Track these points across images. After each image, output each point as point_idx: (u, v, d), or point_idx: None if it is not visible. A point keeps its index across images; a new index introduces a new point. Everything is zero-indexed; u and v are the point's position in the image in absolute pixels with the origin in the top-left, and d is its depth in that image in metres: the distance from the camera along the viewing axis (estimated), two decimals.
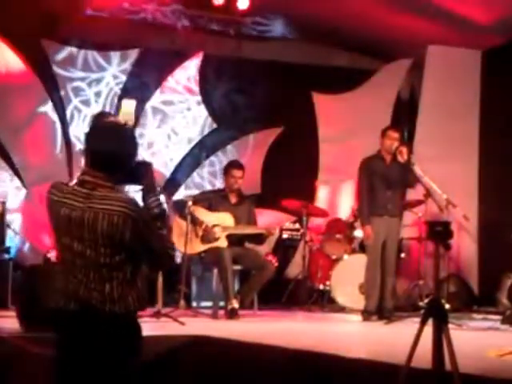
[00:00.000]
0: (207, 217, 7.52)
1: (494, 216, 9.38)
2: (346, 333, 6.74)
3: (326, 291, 8.72)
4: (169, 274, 7.06)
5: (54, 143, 9.14)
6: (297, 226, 7.79)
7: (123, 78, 9.38)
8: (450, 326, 3.57)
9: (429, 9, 8.69)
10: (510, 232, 7.93)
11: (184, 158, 9.67)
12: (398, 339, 5.66)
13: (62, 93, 9.10)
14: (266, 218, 8.89)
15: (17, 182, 8.90)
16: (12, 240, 8.49)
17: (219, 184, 9.05)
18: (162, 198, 3.21)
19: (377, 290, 7.33)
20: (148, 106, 9.50)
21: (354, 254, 8.62)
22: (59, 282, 3.03)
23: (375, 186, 7.40)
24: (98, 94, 9.24)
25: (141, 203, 3.09)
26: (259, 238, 7.68)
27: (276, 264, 8.50)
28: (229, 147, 9.85)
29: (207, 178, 9.77)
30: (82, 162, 6.62)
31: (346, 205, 9.61)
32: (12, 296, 7.31)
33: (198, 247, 7.46)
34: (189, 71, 9.71)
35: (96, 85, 9.26)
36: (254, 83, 9.63)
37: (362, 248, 8.24)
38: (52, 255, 7.77)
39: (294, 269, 9.30)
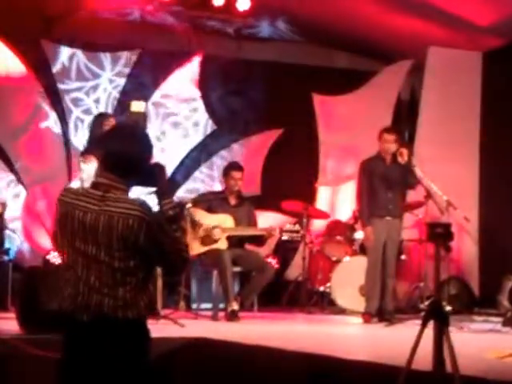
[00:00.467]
0: (207, 218, 7.51)
1: (494, 218, 9.37)
2: (346, 335, 6.73)
3: (327, 293, 8.70)
4: (175, 276, 7.07)
5: (53, 145, 9.12)
6: (297, 227, 7.78)
7: (119, 80, 9.37)
8: (451, 328, 3.56)
9: (429, 10, 8.69)
10: (510, 234, 7.93)
11: (183, 160, 9.67)
12: (398, 341, 5.65)
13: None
14: (267, 220, 8.88)
15: (16, 183, 8.89)
16: (11, 241, 8.48)
17: (219, 186, 9.03)
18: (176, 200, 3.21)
19: (377, 292, 7.31)
20: (147, 106, 9.48)
21: (355, 255, 8.60)
22: (69, 290, 3.00)
23: (375, 187, 7.39)
24: (97, 101, 9.23)
25: (153, 206, 3.08)
26: (259, 240, 7.67)
27: (276, 266, 8.50)
28: (228, 149, 9.84)
29: (207, 179, 9.76)
30: (82, 164, 6.66)
31: (346, 206, 9.59)
32: (12, 298, 7.30)
33: (198, 249, 7.44)
34: (188, 72, 9.71)
35: (94, 92, 9.25)
36: (254, 84, 9.62)
37: (363, 250, 8.23)
38: (51, 257, 7.76)
39: (294, 270, 9.29)
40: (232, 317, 7.12)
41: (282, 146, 9.82)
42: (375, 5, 8.80)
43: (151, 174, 3.10)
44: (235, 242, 7.56)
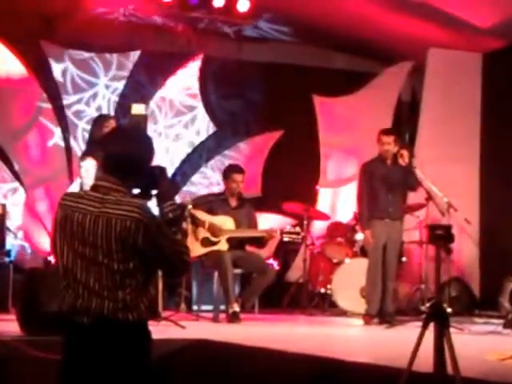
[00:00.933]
0: (207, 220, 7.51)
1: (495, 219, 9.37)
2: (347, 337, 6.72)
3: (327, 295, 8.70)
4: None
5: (54, 147, 9.13)
6: (297, 229, 7.77)
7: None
8: (452, 329, 3.56)
9: (429, 12, 8.69)
10: (511, 235, 7.93)
11: (184, 162, 9.67)
12: (399, 343, 5.65)
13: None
14: (267, 222, 8.88)
15: (16, 185, 8.89)
16: (12, 243, 8.49)
17: (219, 187, 9.03)
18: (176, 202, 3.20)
19: (378, 294, 7.31)
20: (147, 107, 9.48)
21: (356, 257, 8.60)
22: (68, 293, 2.99)
23: (376, 189, 7.39)
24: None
25: (155, 208, 3.07)
26: (260, 242, 7.67)
27: (277, 267, 8.50)
28: (229, 150, 9.84)
29: (207, 181, 9.76)
30: (82, 166, 6.67)
31: (347, 208, 9.59)
32: (12, 299, 7.29)
33: (199, 250, 7.44)
34: (189, 73, 9.71)
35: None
36: (255, 86, 9.64)
37: (364, 251, 8.22)
38: (52, 258, 7.76)
39: (295, 272, 9.29)
40: (233, 318, 7.11)
41: (283, 148, 9.82)
42: (376, 6, 8.80)
43: (152, 177, 3.09)
44: (236, 243, 7.55)
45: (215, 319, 7.29)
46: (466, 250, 9.41)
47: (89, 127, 8.54)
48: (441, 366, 3.45)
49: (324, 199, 10.02)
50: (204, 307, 8.02)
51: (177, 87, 9.67)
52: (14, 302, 6.87)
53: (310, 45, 9.95)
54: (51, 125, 9.10)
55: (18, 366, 4.65)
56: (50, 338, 4.50)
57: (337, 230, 9.06)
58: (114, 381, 2.94)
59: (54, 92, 9.10)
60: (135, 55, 9.41)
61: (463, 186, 9.44)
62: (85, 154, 6.84)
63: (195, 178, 9.72)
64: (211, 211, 7.57)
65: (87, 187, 3.25)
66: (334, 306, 8.53)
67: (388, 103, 10.07)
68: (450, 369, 3.46)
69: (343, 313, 8.37)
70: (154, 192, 3.10)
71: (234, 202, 7.74)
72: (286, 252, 9.64)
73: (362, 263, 7.69)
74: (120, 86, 9.39)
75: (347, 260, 8.61)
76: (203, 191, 9.26)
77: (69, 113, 9.15)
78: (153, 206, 3.09)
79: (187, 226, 7.18)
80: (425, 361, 3.53)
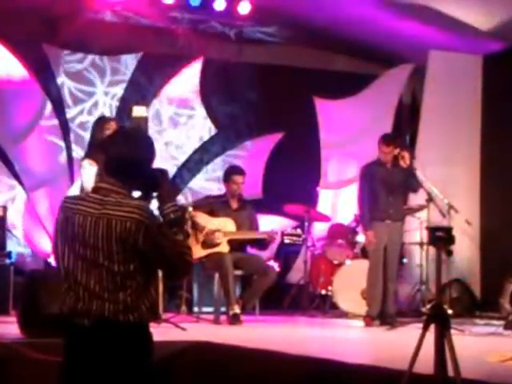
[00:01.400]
0: (208, 222, 7.51)
1: (496, 221, 9.36)
2: (348, 338, 6.72)
3: (328, 296, 8.70)
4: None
5: (55, 149, 9.13)
6: (298, 231, 7.77)
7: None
8: (453, 331, 3.55)
9: (430, 14, 8.70)
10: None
11: (184, 164, 9.67)
12: (400, 345, 5.65)
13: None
14: (268, 223, 8.88)
15: (17, 187, 8.90)
16: (13, 245, 8.49)
17: (220, 189, 9.03)
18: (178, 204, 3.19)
19: (379, 296, 7.31)
20: (148, 110, 9.49)
21: (356, 259, 8.60)
22: (69, 295, 2.99)
23: (376, 191, 7.39)
24: None
25: (156, 210, 3.07)
26: (262, 244, 7.67)
27: (278, 269, 8.49)
28: (229, 152, 9.84)
29: (208, 183, 9.76)
30: (82, 168, 6.67)
31: (348, 210, 9.59)
32: (13, 301, 7.29)
33: (199, 252, 7.44)
34: (189, 75, 9.72)
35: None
36: (255, 87, 9.64)
37: (364, 253, 8.22)
38: (53, 260, 7.77)
39: (296, 274, 9.29)
40: (234, 320, 7.11)
41: (284, 150, 9.83)
42: (376, 9, 8.81)
43: (153, 179, 3.09)
44: (237, 245, 7.55)
45: (216, 321, 7.29)
46: (467, 252, 9.40)
47: None
48: (441, 367, 3.45)
49: (325, 201, 10.02)
50: (205, 309, 8.03)
51: (177, 89, 9.68)
52: (15, 304, 6.87)
53: (311, 47, 9.96)
54: (52, 126, 9.11)
55: (19, 368, 4.65)
56: (50, 340, 4.50)
57: (337, 232, 9.07)
58: (115, 382, 2.94)
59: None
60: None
61: (464, 187, 9.44)
62: (86, 156, 6.84)
63: (196, 180, 9.72)
64: (212, 213, 7.57)
65: (88, 189, 3.25)
66: (335, 308, 8.53)
67: (389, 105, 10.07)
68: (450, 370, 3.46)
69: (344, 314, 8.37)
70: (155, 194, 3.10)
71: (234, 204, 7.74)
72: (287, 254, 9.64)
73: (363, 265, 7.69)
74: (118, 90, 9.40)
75: (348, 262, 8.61)
76: (204, 193, 9.26)
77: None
78: (154, 207, 3.09)
79: (187, 228, 7.19)
80: (425, 362, 3.53)
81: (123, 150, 3.04)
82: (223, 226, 7.52)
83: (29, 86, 8.94)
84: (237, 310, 7.16)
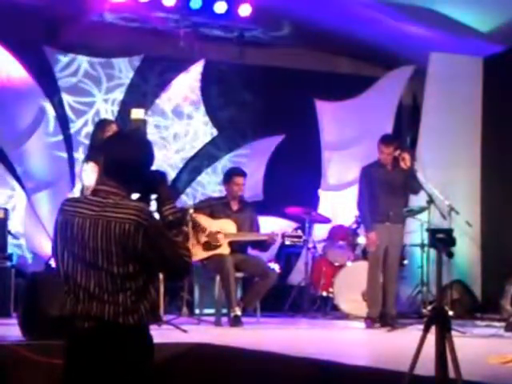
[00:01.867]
0: (209, 224, 7.52)
1: (497, 222, 9.37)
2: (349, 340, 6.72)
3: (329, 298, 8.71)
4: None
5: (56, 151, 9.14)
6: (299, 232, 7.77)
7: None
8: (453, 333, 3.55)
9: (430, 16, 8.70)
10: None
11: (185, 166, 9.68)
12: (401, 346, 5.65)
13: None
14: (269, 225, 8.88)
15: (19, 189, 8.90)
16: (14, 247, 8.50)
17: (221, 191, 9.04)
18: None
19: (379, 297, 7.31)
20: (149, 112, 9.51)
21: (357, 260, 8.60)
22: (70, 297, 2.99)
23: (376, 193, 7.38)
24: None
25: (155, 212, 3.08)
26: (263, 245, 7.67)
27: (278, 271, 8.50)
28: (230, 154, 9.85)
29: (209, 185, 9.77)
30: (83, 170, 6.68)
31: (348, 211, 9.59)
32: (14, 303, 7.30)
33: (200, 254, 7.45)
34: (191, 78, 9.73)
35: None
36: (256, 90, 9.65)
37: (365, 255, 8.22)
38: (53, 262, 7.76)
39: (297, 276, 9.29)
40: (235, 322, 7.11)
41: (285, 151, 9.84)
42: (377, 11, 8.81)
43: (152, 181, 3.10)
44: (237, 247, 7.56)
45: (217, 323, 7.29)
46: (468, 253, 9.41)
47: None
48: (442, 369, 3.45)
49: (325, 203, 10.03)
50: (206, 311, 8.02)
51: (178, 92, 9.69)
52: (16, 306, 6.88)
53: (312, 49, 9.97)
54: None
55: (20, 371, 4.66)
56: (51, 342, 4.50)
57: (338, 234, 9.07)
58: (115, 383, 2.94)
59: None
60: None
61: (464, 189, 9.45)
62: (86, 158, 6.84)
63: (197, 182, 9.73)
64: (213, 215, 7.58)
65: (88, 192, 3.26)
66: (336, 310, 8.54)
67: (389, 107, 10.08)
68: (451, 372, 3.46)
69: (345, 316, 8.37)
70: (154, 196, 3.11)
71: (235, 206, 7.74)
72: (288, 255, 9.65)
73: (364, 266, 7.69)
74: (117, 95, 9.41)
75: (349, 263, 8.62)
76: (205, 195, 9.27)
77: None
78: (153, 210, 3.09)
79: (188, 230, 7.19)
80: (426, 364, 3.53)
81: (121, 152, 3.04)
82: (224, 228, 7.52)
83: (30, 89, 8.95)
84: (238, 311, 7.16)
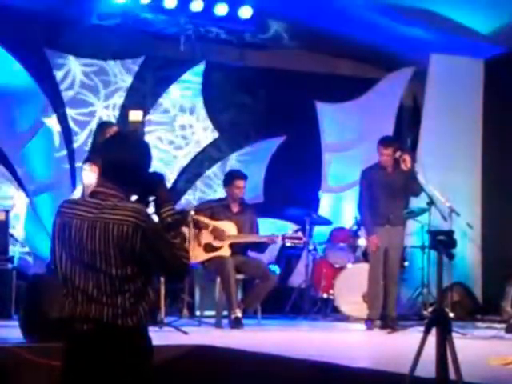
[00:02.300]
0: (211, 223, 7.52)
1: (497, 224, 9.37)
2: (349, 342, 6.73)
3: (330, 300, 8.71)
4: (173, 282, 7.06)
5: (57, 153, 9.15)
6: (299, 234, 7.77)
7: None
8: (454, 334, 3.56)
9: (431, 18, 8.71)
10: None
11: (186, 168, 9.68)
12: (401, 348, 5.65)
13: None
14: (269, 227, 8.89)
15: (20, 191, 8.91)
16: (15, 249, 8.50)
17: (221, 193, 9.04)
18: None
19: (380, 299, 7.31)
20: (150, 114, 9.52)
21: (358, 262, 8.61)
22: (68, 300, 3.00)
23: (376, 195, 7.38)
24: None
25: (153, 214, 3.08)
26: (261, 247, 7.68)
27: (279, 273, 8.51)
28: (231, 156, 9.85)
29: (209, 187, 9.77)
30: (84, 173, 6.69)
31: (349, 213, 9.60)
32: (15, 305, 7.30)
33: (201, 256, 7.45)
34: (191, 80, 9.73)
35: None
36: (257, 92, 9.65)
37: (366, 257, 8.23)
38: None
39: (298, 277, 9.29)
40: (235, 324, 7.12)
41: (285, 154, 9.84)
42: (378, 12, 8.82)
43: (149, 183, 3.10)
44: (238, 249, 7.56)
45: (218, 325, 7.29)
46: (468, 255, 9.41)
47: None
48: (443, 371, 3.45)
49: (326, 204, 10.03)
50: (206, 313, 8.03)
51: (179, 94, 9.69)
52: (17, 308, 6.88)
53: (312, 51, 9.97)
54: (55, 132, 9.14)
55: (21, 373, 4.66)
56: (52, 344, 4.50)
57: (339, 236, 9.07)
58: None
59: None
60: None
61: (465, 190, 9.45)
62: (87, 160, 6.85)
63: (197, 184, 9.73)
64: (213, 217, 7.58)
65: (88, 191, 3.26)
66: (337, 311, 8.54)
67: (390, 109, 10.09)
68: (452, 374, 3.46)
69: (345, 318, 8.38)
70: (152, 198, 3.11)
71: (235, 208, 7.75)
72: (289, 257, 9.65)
73: (364, 268, 7.70)
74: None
75: (349, 265, 8.62)
76: (205, 197, 9.27)
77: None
78: (152, 212, 3.09)
79: (190, 231, 7.20)
80: (427, 366, 3.54)
81: (119, 154, 3.03)
82: (224, 230, 7.52)
83: (31, 91, 8.96)
84: (238, 313, 7.17)
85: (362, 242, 8.65)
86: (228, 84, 9.61)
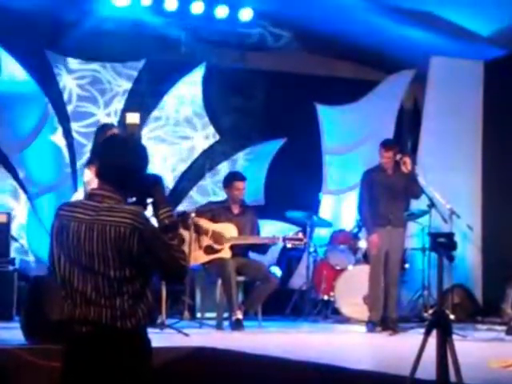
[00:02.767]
0: (210, 227, 7.53)
1: (498, 226, 9.37)
2: (350, 344, 6.73)
3: (331, 302, 8.71)
4: (173, 284, 7.06)
5: (59, 155, 9.16)
6: (300, 235, 7.78)
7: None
8: (455, 337, 3.56)
9: (432, 20, 8.72)
10: None
11: (187, 170, 9.69)
12: (402, 350, 5.66)
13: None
14: (270, 229, 8.90)
15: (21, 193, 8.92)
16: (16, 251, 8.51)
17: (222, 195, 9.05)
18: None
19: (380, 301, 7.32)
20: (151, 117, 9.53)
21: (358, 264, 8.61)
22: (67, 302, 3.01)
23: (377, 197, 7.40)
24: None
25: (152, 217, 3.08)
26: (262, 248, 7.68)
27: (279, 275, 8.51)
28: (232, 158, 9.86)
29: (210, 189, 9.78)
30: (85, 175, 6.70)
31: (349, 215, 9.61)
32: (16, 307, 7.31)
33: (202, 258, 7.46)
34: (192, 82, 9.74)
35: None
36: (257, 94, 9.65)
37: (366, 259, 8.23)
38: None
39: (298, 279, 9.30)
40: (236, 326, 7.12)
41: (286, 156, 9.85)
42: (378, 15, 8.83)
43: (147, 185, 3.10)
44: (239, 250, 7.57)
45: (218, 327, 7.30)
46: (469, 257, 9.41)
47: None
48: (443, 373, 3.46)
49: (327, 206, 10.04)
50: (207, 314, 8.03)
51: (180, 96, 9.70)
52: (18, 310, 6.89)
53: (313, 53, 9.98)
54: (56, 134, 9.15)
55: (22, 374, 4.66)
56: (53, 346, 4.51)
57: (339, 238, 9.08)
58: None
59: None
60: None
61: (465, 192, 9.45)
62: (88, 163, 6.86)
63: (198, 186, 9.74)
64: (214, 218, 7.59)
65: None
66: (337, 313, 8.54)
67: (390, 111, 10.09)
68: (452, 376, 3.47)
69: (346, 320, 8.38)
70: (150, 200, 3.11)
71: (236, 210, 7.76)
72: (289, 259, 9.65)
73: (365, 270, 7.70)
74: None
75: (350, 267, 8.62)
76: (206, 199, 9.27)
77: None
78: (150, 214, 3.10)
79: (191, 233, 7.21)
80: (427, 368, 3.54)
81: (116, 157, 3.04)
82: (225, 232, 7.53)
83: (32, 93, 8.97)
84: (239, 315, 7.18)
85: (362, 243, 8.66)
86: (228, 86, 9.62)
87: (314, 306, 8.82)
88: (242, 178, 7.77)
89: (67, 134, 9.19)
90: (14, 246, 8.35)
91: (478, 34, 8.92)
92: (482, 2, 8.36)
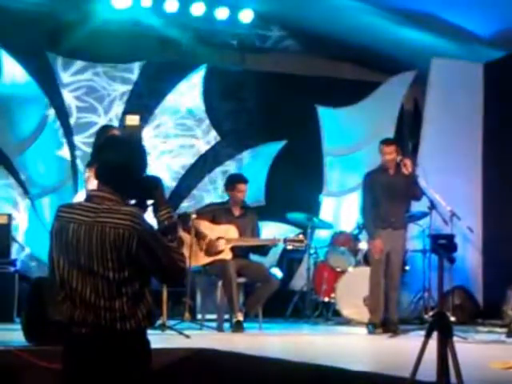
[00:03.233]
0: (211, 230, 7.53)
1: (498, 228, 9.37)
2: (350, 346, 6.73)
3: (331, 304, 8.71)
4: (174, 286, 7.06)
5: (59, 156, 9.16)
6: (301, 236, 7.78)
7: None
8: (455, 338, 3.56)
9: (432, 22, 8.73)
10: None
11: (188, 171, 9.69)
12: (402, 352, 5.66)
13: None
14: (271, 231, 8.90)
15: (22, 195, 8.92)
16: (17, 252, 8.52)
17: (223, 197, 9.05)
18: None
19: (381, 303, 7.32)
20: (151, 118, 9.54)
21: (359, 266, 8.61)
22: (67, 304, 3.01)
23: (378, 199, 7.39)
24: None
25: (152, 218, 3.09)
26: (263, 250, 7.68)
27: (280, 276, 8.51)
28: (232, 160, 9.86)
29: (211, 190, 9.79)
30: (86, 176, 6.71)
31: (350, 217, 9.61)
32: (18, 308, 7.31)
33: (203, 260, 7.46)
34: (192, 84, 9.75)
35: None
36: (258, 96, 9.67)
37: (367, 260, 8.24)
38: None
39: (299, 281, 9.30)
40: (237, 328, 7.13)
41: (287, 157, 9.85)
42: (379, 17, 8.84)
43: (146, 187, 3.10)
44: (240, 252, 7.57)
45: (219, 328, 7.30)
46: (470, 259, 9.42)
47: None
48: (444, 375, 3.46)
49: (327, 208, 10.04)
50: (208, 316, 8.04)
51: (180, 97, 9.71)
52: (20, 311, 6.89)
53: (314, 55, 9.99)
54: (57, 135, 9.16)
55: (23, 376, 4.67)
56: (55, 347, 4.50)
57: (340, 239, 9.08)
58: None
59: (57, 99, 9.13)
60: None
61: (466, 194, 9.45)
62: (89, 164, 6.87)
63: (198, 187, 9.74)
64: (214, 220, 7.60)
65: None
66: (338, 315, 8.54)
67: (391, 113, 10.10)
68: (453, 378, 3.47)
69: (347, 322, 8.38)
70: (150, 202, 3.11)
71: (237, 211, 7.76)
72: (290, 261, 9.65)
73: (366, 272, 7.70)
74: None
75: (351, 269, 8.62)
76: (207, 201, 9.28)
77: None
78: (150, 216, 3.10)
79: (192, 235, 7.21)
80: (428, 370, 3.54)
81: (113, 157, 3.04)
82: (226, 233, 7.54)
83: (33, 95, 8.97)
84: (240, 317, 7.18)
85: (363, 245, 8.66)
86: (229, 88, 9.63)
87: (314, 308, 8.83)
88: (244, 181, 7.78)
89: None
90: (14, 247, 8.35)
91: (479, 35, 8.93)
92: (483, 3, 8.37)
